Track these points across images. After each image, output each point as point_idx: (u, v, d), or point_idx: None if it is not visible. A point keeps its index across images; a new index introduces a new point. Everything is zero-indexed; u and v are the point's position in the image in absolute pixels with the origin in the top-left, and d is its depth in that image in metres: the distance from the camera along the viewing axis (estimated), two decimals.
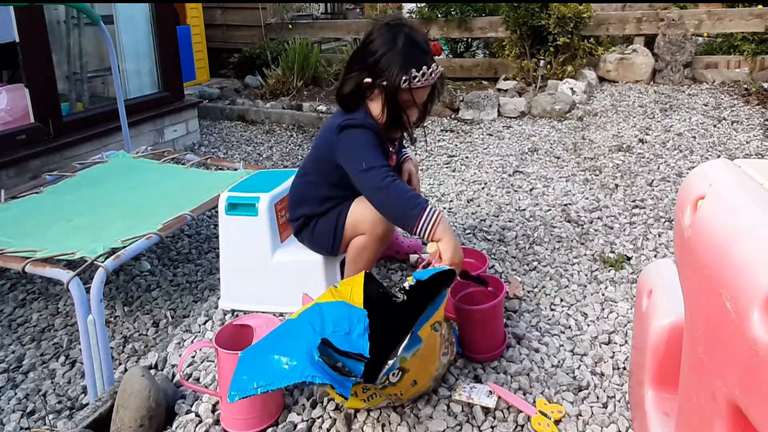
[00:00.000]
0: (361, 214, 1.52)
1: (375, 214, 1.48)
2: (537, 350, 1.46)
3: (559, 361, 1.42)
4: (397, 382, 1.15)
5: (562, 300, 1.70)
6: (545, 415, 1.22)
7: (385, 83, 1.44)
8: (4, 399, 1.59)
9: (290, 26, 5.69)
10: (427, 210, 1.35)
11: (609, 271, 1.86)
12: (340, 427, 1.22)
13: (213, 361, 1.46)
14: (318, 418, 1.25)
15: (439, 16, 5.33)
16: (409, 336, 1.13)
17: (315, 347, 1.03)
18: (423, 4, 5.55)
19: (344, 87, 1.52)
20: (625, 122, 3.72)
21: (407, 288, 1.21)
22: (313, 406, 1.29)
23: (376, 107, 1.50)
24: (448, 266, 1.25)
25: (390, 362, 1.12)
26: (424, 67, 1.43)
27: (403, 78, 1.42)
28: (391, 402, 1.24)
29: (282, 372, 1.01)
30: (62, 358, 1.74)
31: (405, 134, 1.63)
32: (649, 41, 5.06)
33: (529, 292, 1.75)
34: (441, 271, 1.21)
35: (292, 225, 1.67)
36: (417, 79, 1.43)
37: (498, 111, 4.06)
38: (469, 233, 2.18)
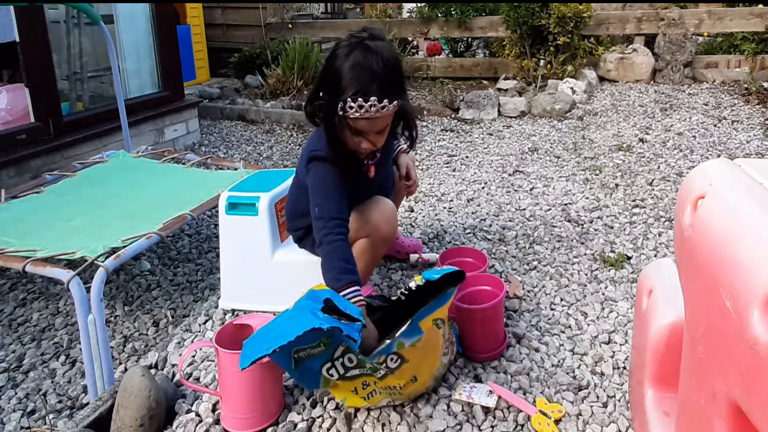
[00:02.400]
0: (363, 216, 1.51)
1: (377, 216, 1.48)
2: (537, 350, 1.46)
3: (559, 361, 1.42)
4: (396, 369, 1.15)
5: (562, 299, 1.70)
6: (545, 414, 1.22)
7: (322, 104, 1.33)
8: (4, 398, 1.59)
9: (290, 26, 5.69)
10: (349, 291, 1.26)
11: (609, 271, 1.86)
12: (340, 426, 1.22)
13: (213, 361, 1.46)
14: (318, 417, 1.25)
15: (439, 15, 5.33)
16: (408, 323, 1.14)
17: (317, 310, 1.11)
18: (423, 4, 5.55)
19: (309, 98, 1.41)
20: (626, 122, 3.72)
21: (413, 288, 1.22)
22: (314, 406, 1.29)
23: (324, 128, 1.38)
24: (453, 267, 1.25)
25: (387, 341, 1.14)
26: (361, 99, 1.24)
27: (340, 105, 1.27)
28: (391, 401, 1.24)
29: (288, 331, 1.06)
30: (62, 358, 1.74)
31: (408, 146, 1.57)
32: (650, 41, 5.06)
33: (529, 291, 1.75)
34: (449, 272, 1.22)
35: (291, 234, 1.66)
36: (353, 110, 1.26)
37: (498, 110, 4.06)
38: (469, 233, 2.18)
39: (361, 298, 1.27)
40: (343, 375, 1.15)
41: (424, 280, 1.20)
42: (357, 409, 1.26)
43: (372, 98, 1.25)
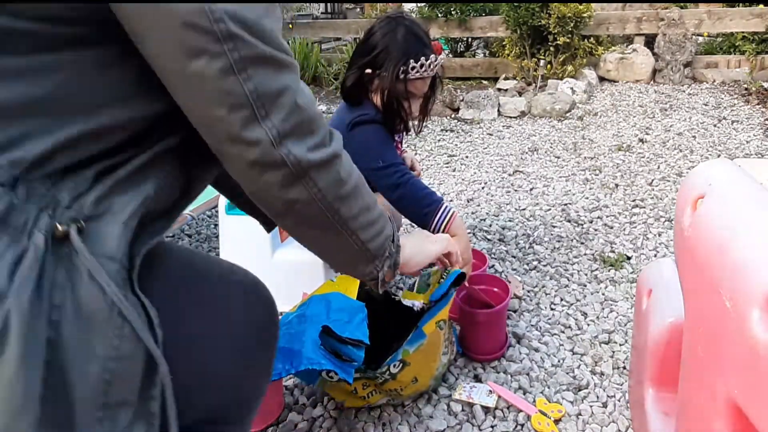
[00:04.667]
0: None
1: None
2: (537, 350, 1.46)
3: (559, 361, 1.42)
4: (397, 373, 1.15)
5: (562, 299, 1.70)
6: (545, 414, 1.22)
7: (384, 74, 1.46)
8: None
9: (290, 26, 5.69)
10: (442, 209, 1.40)
11: (609, 271, 1.87)
12: (340, 426, 1.22)
13: None
14: (318, 417, 1.25)
15: (439, 15, 5.33)
16: (414, 330, 1.14)
17: (318, 335, 1.09)
18: (423, 4, 5.55)
19: (347, 80, 1.54)
20: (625, 122, 3.72)
21: (418, 310, 1.23)
22: (314, 406, 1.29)
23: (378, 100, 1.51)
24: (459, 269, 1.25)
25: (393, 353, 1.13)
26: (423, 58, 1.44)
27: (401, 69, 1.43)
28: (391, 399, 1.24)
29: (289, 362, 1.06)
30: None
31: (410, 125, 1.64)
32: (650, 41, 5.06)
33: (529, 291, 1.75)
34: (453, 277, 1.21)
35: None
36: (415, 70, 1.44)
37: (498, 110, 4.06)
38: (469, 233, 2.18)
39: (455, 211, 1.42)
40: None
41: (430, 302, 1.21)
42: (358, 409, 1.26)
43: (431, 56, 1.46)
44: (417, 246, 0.98)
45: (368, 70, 1.49)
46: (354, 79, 1.52)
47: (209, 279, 0.75)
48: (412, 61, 1.43)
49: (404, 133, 1.70)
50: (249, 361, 0.74)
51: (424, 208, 1.41)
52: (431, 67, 1.47)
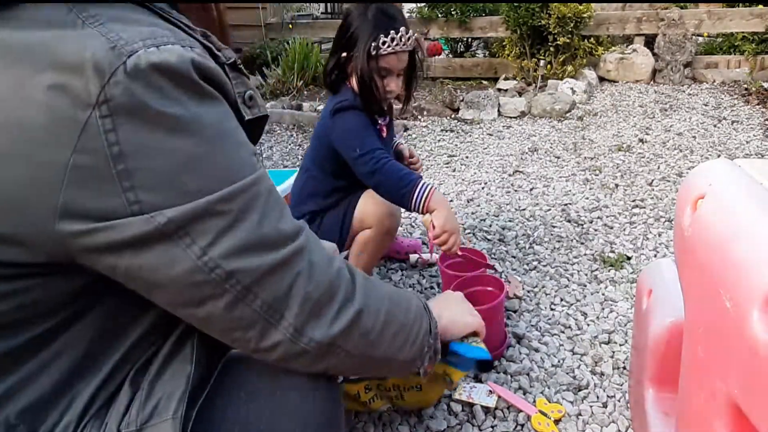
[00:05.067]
0: (368, 207, 1.53)
1: (382, 207, 1.50)
2: (537, 350, 1.46)
3: (559, 361, 1.42)
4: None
5: (562, 299, 1.70)
6: (545, 414, 1.22)
7: (357, 54, 1.47)
8: None
9: (290, 26, 5.69)
10: (419, 188, 1.39)
11: (609, 271, 1.87)
12: None
13: None
14: None
15: (439, 15, 5.33)
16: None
17: None
18: (423, 4, 5.55)
19: (327, 67, 1.57)
20: (625, 122, 3.72)
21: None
22: None
23: (355, 83, 1.52)
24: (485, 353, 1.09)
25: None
26: (392, 32, 1.44)
27: (372, 45, 1.44)
28: (392, 406, 1.23)
29: None
30: None
31: (389, 105, 1.65)
32: (650, 41, 5.06)
33: (529, 291, 1.75)
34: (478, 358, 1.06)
35: None
36: (387, 44, 1.44)
37: (498, 111, 4.06)
38: (469, 233, 2.18)
39: (433, 185, 1.42)
40: (348, 378, 1.15)
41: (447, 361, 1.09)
42: (357, 410, 1.26)
43: (401, 29, 1.45)
44: (453, 315, 0.98)
45: (344, 54, 1.50)
46: (332, 65, 1.54)
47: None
48: (382, 36, 1.43)
49: (389, 116, 1.69)
50: None
51: (401, 190, 1.41)
52: (403, 40, 1.46)
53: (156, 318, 0.65)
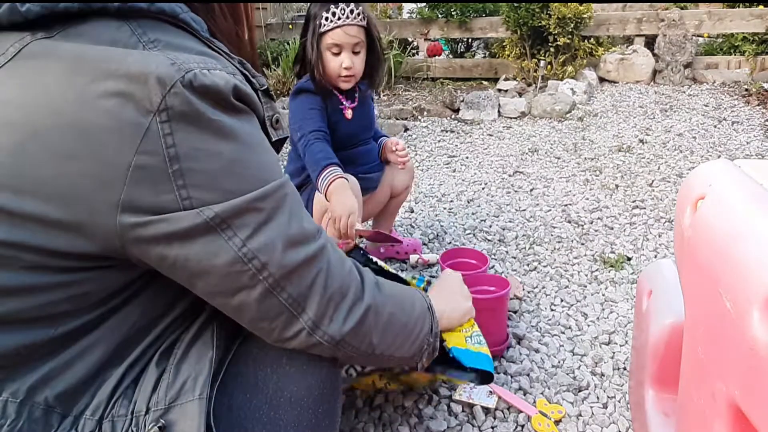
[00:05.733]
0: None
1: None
2: (537, 350, 1.46)
3: (559, 362, 1.42)
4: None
5: (562, 300, 1.70)
6: (545, 415, 1.22)
7: (307, 36, 1.56)
8: None
9: (290, 26, 5.69)
10: (326, 171, 1.47)
11: (609, 272, 1.87)
12: (341, 426, 1.22)
13: None
14: None
15: (440, 16, 5.33)
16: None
17: None
18: (423, 5, 5.55)
19: (296, 56, 1.65)
20: (626, 123, 3.72)
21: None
22: None
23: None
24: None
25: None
26: (333, 7, 1.50)
27: (318, 23, 1.52)
28: (407, 387, 1.24)
29: None
30: None
31: (369, 85, 1.71)
32: (650, 41, 5.06)
33: (529, 292, 1.75)
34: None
35: None
36: (329, 20, 1.51)
37: (498, 111, 4.06)
38: (470, 233, 2.18)
39: (340, 173, 1.46)
40: (362, 372, 1.16)
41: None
42: (358, 409, 1.26)
43: (341, 5, 1.50)
44: (452, 311, 1.01)
45: (303, 39, 1.59)
46: (299, 52, 1.62)
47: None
48: (324, 13, 1.51)
49: (359, 95, 1.71)
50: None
51: (313, 174, 1.50)
52: (345, 13, 1.51)
53: (183, 310, 0.72)
